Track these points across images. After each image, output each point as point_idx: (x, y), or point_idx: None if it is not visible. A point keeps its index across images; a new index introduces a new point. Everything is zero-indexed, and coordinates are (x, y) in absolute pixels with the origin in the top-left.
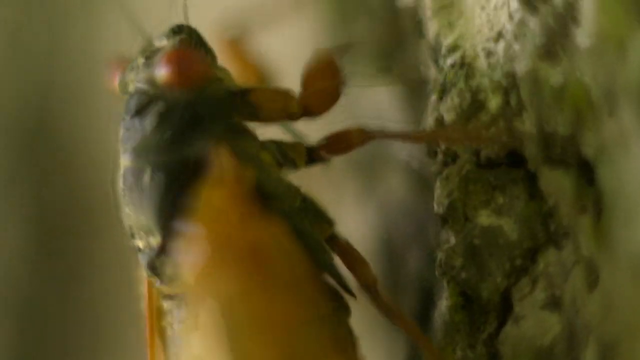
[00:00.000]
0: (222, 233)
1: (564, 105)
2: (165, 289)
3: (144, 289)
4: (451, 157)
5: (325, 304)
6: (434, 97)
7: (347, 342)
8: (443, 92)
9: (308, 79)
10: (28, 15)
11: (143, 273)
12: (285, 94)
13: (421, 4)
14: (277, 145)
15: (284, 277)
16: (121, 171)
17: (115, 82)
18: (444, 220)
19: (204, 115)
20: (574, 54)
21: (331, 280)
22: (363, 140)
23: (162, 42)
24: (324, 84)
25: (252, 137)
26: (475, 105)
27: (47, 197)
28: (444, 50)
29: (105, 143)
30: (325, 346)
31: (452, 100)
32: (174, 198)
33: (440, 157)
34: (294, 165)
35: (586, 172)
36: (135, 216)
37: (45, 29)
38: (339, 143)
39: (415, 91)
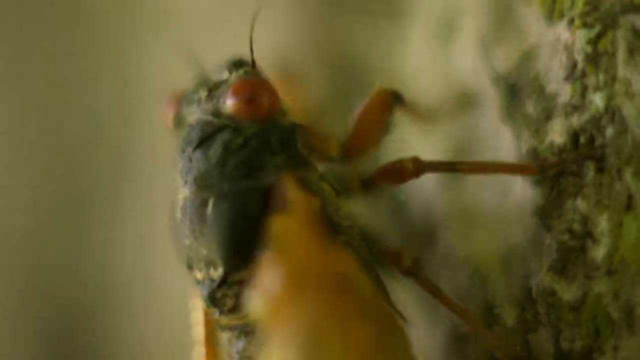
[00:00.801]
0: (299, 262)
1: (582, 322)
2: (225, 320)
3: (197, 316)
4: None
5: (393, 328)
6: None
7: None
8: None
9: (361, 117)
10: (51, 229)
11: (198, 302)
12: (329, 137)
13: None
14: (333, 175)
15: (359, 303)
16: (180, 203)
17: (170, 115)
18: None
19: (272, 145)
20: (591, 270)
21: (387, 306)
22: (416, 171)
23: (224, 75)
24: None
25: (314, 167)
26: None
27: None
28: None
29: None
30: None
31: None
32: (239, 228)
33: None
34: (349, 194)
35: None
36: (195, 248)
37: (67, 240)
38: (392, 173)
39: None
